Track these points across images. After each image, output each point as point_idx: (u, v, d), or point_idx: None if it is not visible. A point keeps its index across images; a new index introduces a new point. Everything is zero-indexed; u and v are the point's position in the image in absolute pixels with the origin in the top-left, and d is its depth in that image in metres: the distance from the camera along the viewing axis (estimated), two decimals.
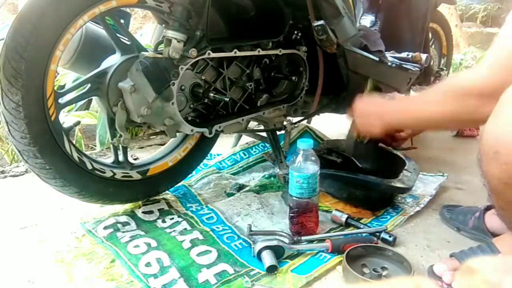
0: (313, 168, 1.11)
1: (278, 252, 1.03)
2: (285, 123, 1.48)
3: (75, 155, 1.06)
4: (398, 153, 1.44)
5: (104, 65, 1.11)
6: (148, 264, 1.00)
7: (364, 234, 1.14)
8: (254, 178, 1.53)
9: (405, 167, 1.32)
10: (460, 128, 2.13)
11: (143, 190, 1.26)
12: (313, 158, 1.11)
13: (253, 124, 1.90)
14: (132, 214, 1.22)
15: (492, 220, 1.12)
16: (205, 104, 1.26)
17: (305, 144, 1.10)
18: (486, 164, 0.81)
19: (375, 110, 1.18)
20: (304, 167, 1.10)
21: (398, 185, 1.23)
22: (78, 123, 1.72)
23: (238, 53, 1.23)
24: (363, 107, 1.21)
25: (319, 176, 1.14)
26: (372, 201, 1.28)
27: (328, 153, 1.50)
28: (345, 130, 1.40)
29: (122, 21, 1.18)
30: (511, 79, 0.79)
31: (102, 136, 1.81)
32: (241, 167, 1.62)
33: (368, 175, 1.28)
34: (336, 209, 1.25)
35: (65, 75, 1.90)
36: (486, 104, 0.83)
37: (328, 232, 1.18)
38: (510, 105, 0.77)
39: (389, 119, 1.13)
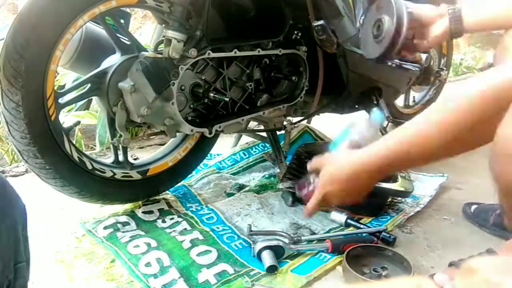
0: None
1: (278, 252, 1.03)
2: (285, 123, 1.48)
3: (75, 155, 1.06)
4: None
5: (104, 65, 1.11)
6: (148, 264, 1.00)
7: (364, 234, 1.15)
8: (254, 178, 1.53)
9: None
10: None
11: (143, 190, 1.26)
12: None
13: (253, 124, 1.90)
14: (132, 214, 1.22)
15: None
16: (205, 104, 1.26)
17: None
18: (500, 165, 0.74)
19: (349, 165, 0.84)
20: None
21: (401, 189, 1.23)
22: (78, 123, 1.71)
23: (238, 53, 1.23)
24: (334, 171, 0.87)
25: None
26: (376, 207, 1.28)
27: (309, 157, 1.49)
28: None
29: (122, 21, 1.18)
30: None
31: (102, 136, 1.81)
32: (241, 167, 1.62)
33: None
34: (336, 209, 1.25)
35: (65, 75, 1.89)
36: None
37: (328, 232, 1.18)
38: None
39: (376, 162, 0.79)
